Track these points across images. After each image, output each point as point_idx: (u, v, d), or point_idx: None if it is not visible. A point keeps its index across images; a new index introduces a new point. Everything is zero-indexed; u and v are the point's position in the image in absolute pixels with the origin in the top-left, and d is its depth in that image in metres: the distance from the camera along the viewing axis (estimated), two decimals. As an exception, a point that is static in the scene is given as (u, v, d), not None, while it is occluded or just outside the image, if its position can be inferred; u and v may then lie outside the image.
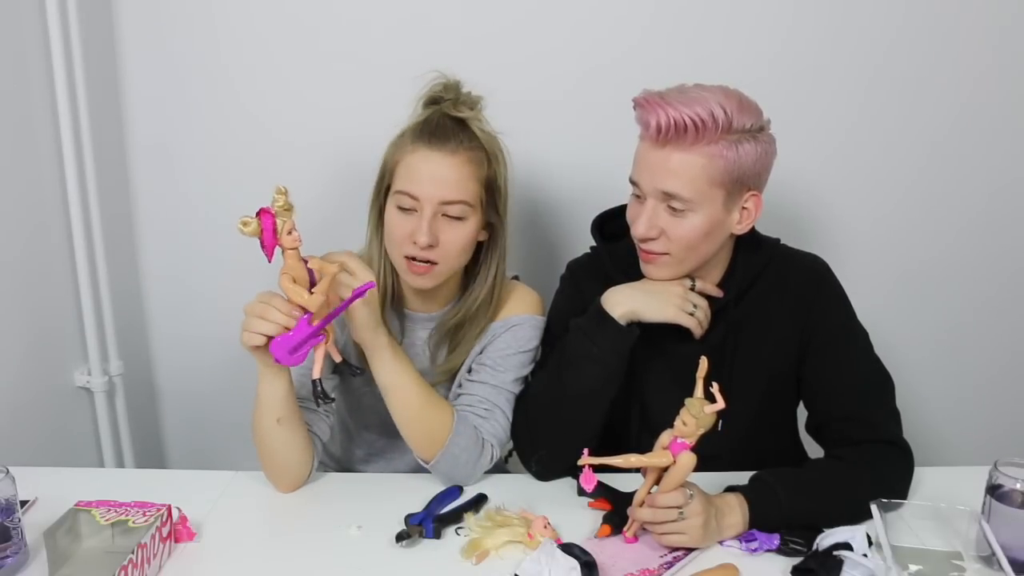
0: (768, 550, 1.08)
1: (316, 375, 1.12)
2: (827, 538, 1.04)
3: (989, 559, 1.00)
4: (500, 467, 1.35)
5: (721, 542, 1.10)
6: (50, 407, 1.61)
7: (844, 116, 1.67)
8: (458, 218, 1.20)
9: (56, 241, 1.59)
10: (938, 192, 1.73)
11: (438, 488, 1.23)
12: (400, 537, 1.09)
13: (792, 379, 1.28)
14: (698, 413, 1.02)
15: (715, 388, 1.02)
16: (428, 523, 1.12)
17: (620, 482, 1.18)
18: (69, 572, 1.01)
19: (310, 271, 1.09)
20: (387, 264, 1.27)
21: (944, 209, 1.74)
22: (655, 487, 1.08)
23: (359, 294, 1.09)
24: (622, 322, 1.20)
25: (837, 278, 1.29)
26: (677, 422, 1.04)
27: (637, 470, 1.08)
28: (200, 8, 1.61)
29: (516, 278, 1.39)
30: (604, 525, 1.13)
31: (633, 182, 1.19)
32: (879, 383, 1.24)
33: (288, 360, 1.09)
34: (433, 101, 1.23)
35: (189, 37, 1.63)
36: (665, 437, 1.06)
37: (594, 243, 1.33)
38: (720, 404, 1.02)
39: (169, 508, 1.06)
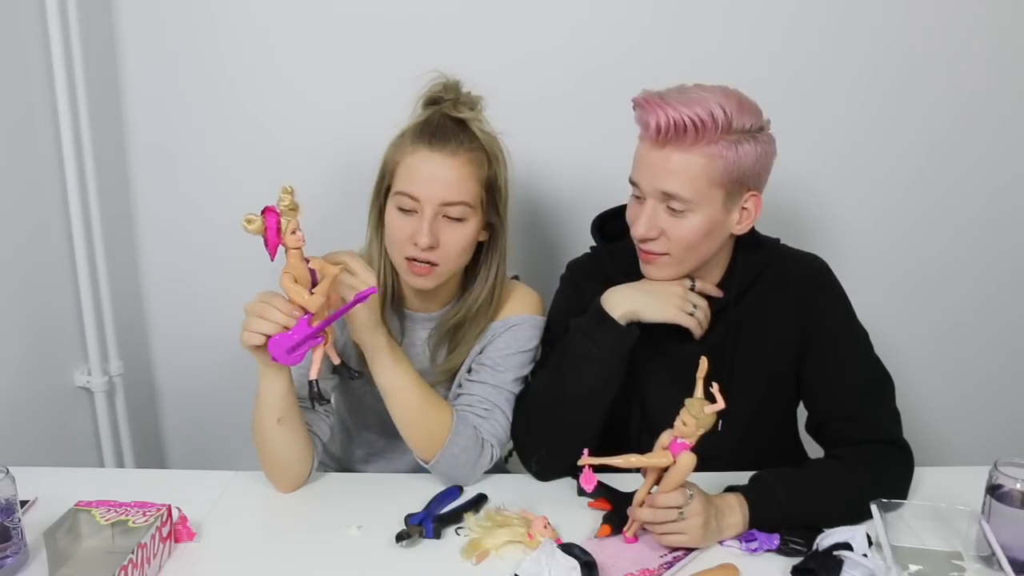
0: (768, 550, 1.08)
1: (312, 376, 1.12)
2: (827, 538, 1.04)
3: (989, 559, 1.00)
4: (500, 467, 1.35)
5: (721, 542, 1.10)
6: (50, 407, 1.61)
7: (844, 116, 1.67)
8: (458, 219, 1.20)
9: (56, 241, 1.59)
10: (938, 192, 1.73)
11: (438, 488, 1.23)
12: (400, 537, 1.09)
13: (792, 379, 1.28)
14: (698, 413, 1.02)
15: (715, 388, 1.02)
16: (428, 523, 1.12)
17: (620, 482, 1.18)
18: (69, 572, 1.01)
19: (312, 271, 1.09)
20: (387, 264, 1.27)
21: (944, 209, 1.74)
22: (655, 487, 1.08)
23: (361, 299, 1.09)
24: (622, 322, 1.20)
25: (837, 278, 1.29)
26: (677, 422, 1.04)
27: (637, 470, 1.08)
28: (200, 8, 1.61)
29: (516, 278, 1.39)
30: (604, 525, 1.13)
31: (633, 182, 1.19)
32: (879, 383, 1.24)
33: (286, 359, 1.09)
34: (433, 101, 1.23)
35: (189, 37, 1.63)
36: (665, 437, 1.06)
37: (594, 243, 1.33)
38: (720, 404, 1.02)
39: (169, 508, 1.06)
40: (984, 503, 1.05)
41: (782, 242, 1.31)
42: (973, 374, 1.86)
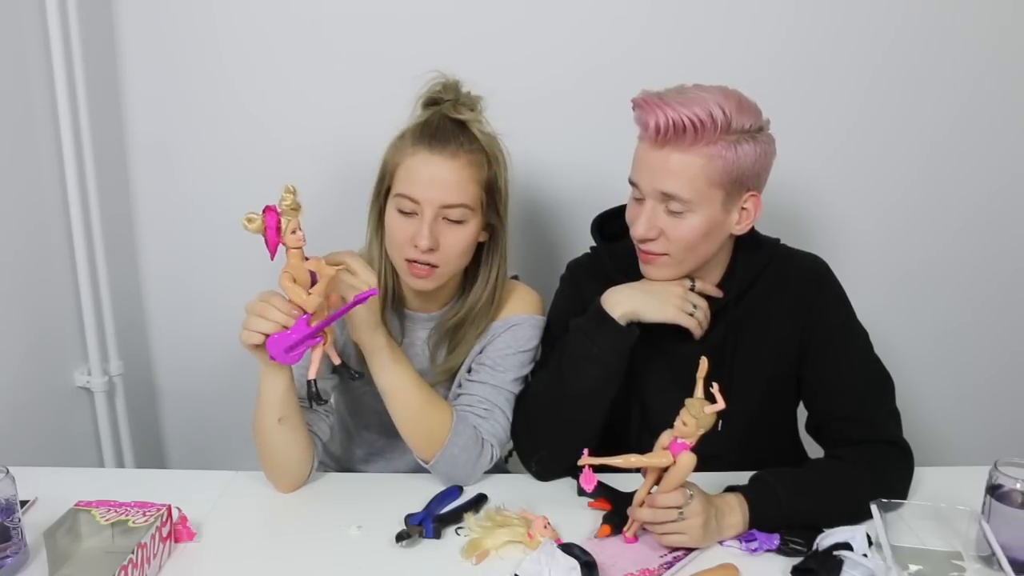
0: (768, 550, 1.08)
1: (311, 376, 1.12)
2: (827, 538, 1.04)
3: (989, 559, 1.00)
4: (500, 467, 1.35)
5: (721, 542, 1.10)
6: (50, 407, 1.61)
7: (844, 116, 1.67)
8: (458, 221, 1.20)
9: (56, 241, 1.59)
10: (938, 192, 1.73)
11: (438, 488, 1.23)
12: (400, 537, 1.09)
13: (792, 379, 1.28)
14: (698, 413, 1.02)
15: (715, 388, 1.02)
16: (428, 523, 1.12)
17: (620, 482, 1.18)
18: (69, 572, 1.01)
19: (312, 271, 1.09)
20: (387, 264, 1.27)
21: (944, 209, 1.74)
22: (655, 487, 1.08)
23: (360, 300, 1.09)
24: (622, 322, 1.20)
25: (837, 278, 1.29)
26: (677, 422, 1.04)
27: (637, 470, 1.08)
28: (200, 8, 1.61)
29: (516, 278, 1.39)
30: (604, 525, 1.13)
31: (632, 183, 1.19)
32: (879, 383, 1.24)
33: (284, 358, 1.09)
34: (433, 102, 1.23)
35: (189, 37, 1.63)
36: (665, 437, 1.06)
37: (594, 243, 1.33)
38: (720, 404, 1.02)
39: (169, 508, 1.06)
40: (984, 503, 1.05)
41: (782, 242, 1.31)
42: (973, 374, 1.86)
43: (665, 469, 1.06)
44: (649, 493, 1.08)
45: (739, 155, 1.12)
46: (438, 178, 1.17)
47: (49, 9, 1.46)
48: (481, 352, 1.30)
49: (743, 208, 1.18)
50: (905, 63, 1.64)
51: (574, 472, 1.20)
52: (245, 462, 1.26)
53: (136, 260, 1.77)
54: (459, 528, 1.13)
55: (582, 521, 1.15)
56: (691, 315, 1.21)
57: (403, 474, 1.34)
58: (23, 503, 1.12)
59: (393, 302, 1.32)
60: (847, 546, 1.01)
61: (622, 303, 1.20)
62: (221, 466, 1.29)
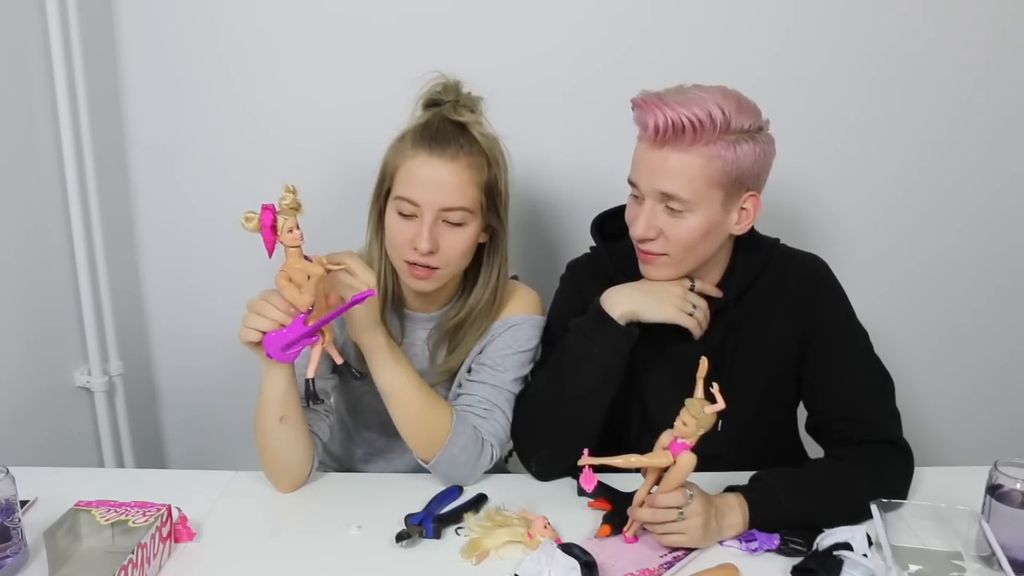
0: (768, 550, 1.08)
1: (310, 375, 1.12)
2: (827, 538, 1.04)
3: (989, 559, 1.00)
4: (500, 467, 1.35)
5: (721, 542, 1.10)
6: (50, 407, 1.61)
7: (844, 116, 1.67)
8: (458, 224, 1.19)
9: (56, 241, 1.59)
10: (938, 192, 1.73)
11: (438, 488, 1.23)
12: (400, 537, 1.09)
13: (792, 379, 1.28)
14: (698, 413, 1.02)
15: (715, 388, 1.02)
16: (428, 523, 1.12)
17: (620, 482, 1.18)
18: (69, 572, 1.01)
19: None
20: (387, 265, 1.27)
21: (944, 209, 1.74)
22: (655, 487, 1.08)
23: (358, 300, 1.09)
24: (621, 322, 1.20)
25: (836, 278, 1.29)
26: (677, 422, 1.04)
27: (637, 470, 1.08)
28: (200, 9, 1.61)
29: (515, 278, 1.39)
30: (604, 525, 1.13)
31: (632, 183, 1.19)
32: (879, 383, 1.24)
33: (280, 356, 1.10)
34: (433, 103, 1.22)
35: (189, 37, 1.63)
36: (665, 437, 1.06)
37: (594, 243, 1.33)
38: (720, 405, 1.02)
39: (169, 508, 1.06)
40: (984, 503, 1.05)
41: (782, 242, 1.31)
42: (973, 374, 1.86)
43: (665, 469, 1.06)
44: (649, 493, 1.08)
45: (738, 155, 1.12)
46: (438, 181, 1.17)
47: (49, 9, 1.46)
48: (481, 352, 1.30)
49: (742, 208, 1.18)
50: (905, 63, 1.64)
51: (574, 472, 1.20)
52: (245, 462, 1.26)
53: (136, 260, 1.78)
54: (459, 528, 1.13)
55: (582, 521, 1.15)
56: (691, 315, 1.21)
57: (403, 474, 1.34)
58: (23, 503, 1.12)
59: (393, 302, 1.32)
60: (847, 546, 1.01)
61: (621, 303, 1.20)
62: (221, 466, 1.29)
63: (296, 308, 1.08)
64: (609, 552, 1.07)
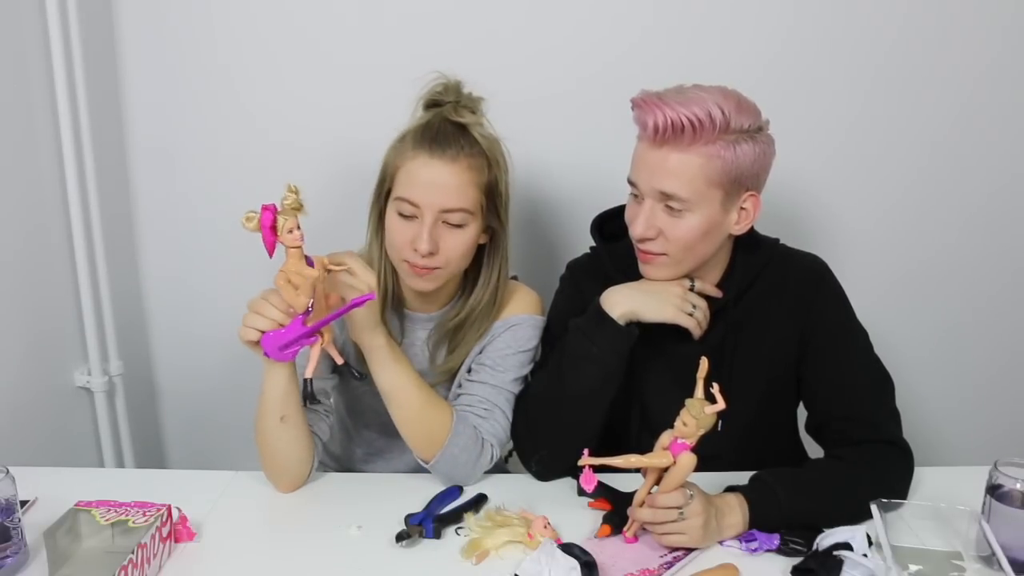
0: (768, 550, 1.08)
1: (308, 374, 1.12)
2: (827, 538, 1.04)
3: (989, 559, 1.00)
4: (500, 467, 1.35)
5: (721, 542, 1.10)
6: (50, 407, 1.61)
7: (844, 116, 1.67)
8: (458, 225, 1.19)
9: (56, 241, 1.59)
10: (938, 192, 1.73)
11: (438, 488, 1.23)
12: (400, 537, 1.09)
13: (792, 379, 1.28)
14: (698, 414, 1.02)
15: (715, 389, 1.02)
16: (428, 523, 1.12)
17: (620, 482, 1.18)
18: (69, 572, 1.01)
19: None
20: (387, 265, 1.27)
21: (944, 209, 1.74)
22: (655, 487, 1.08)
23: (358, 303, 1.10)
24: (621, 322, 1.20)
25: (836, 278, 1.29)
26: (677, 423, 1.04)
27: (637, 470, 1.08)
28: (200, 9, 1.61)
29: (515, 278, 1.39)
30: (604, 525, 1.13)
31: (631, 182, 1.19)
32: (879, 383, 1.24)
33: (278, 356, 1.10)
34: (434, 103, 1.22)
35: (189, 38, 1.63)
36: (665, 438, 1.06)
37: (594, 243, 1.33)
38: (720, 405, 1.02)
39: (169, 508, 1.06)
40: (984, 503, 1.05)
41: (781, 242, 1.31)
42: (973, 374, 1.86)
43: (665, 469, 1.06)
44: (649, 493, 1.08)
45: (738, 155, 1.12)
46: (438, 182, 1.17)
47: (49, 10, 1.46)
48: (481, 352, 1.30)
49: (742, 208, 1.18)
50: (905, 63, 1.64)
51: (574, 472, 1.20)
52: (245, 462, 1.26)
53: (136, 260, 1.78)
54: (459, 528, 1.13)
55: (582, 521, 1.15)
56: (690, 315, 1.21)
57: (403, 474, 1.34)
58: (23, 503, 1.12)
59: (393, 302, 1.32)
60: (847, 546, 1.01)
61: (621, 303, 1.20)
62: (221, 466, 1.29)
63: (293, 309, 1.08)
64: (609, 552, 1.07)
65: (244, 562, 1.07)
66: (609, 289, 1.23)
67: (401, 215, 1.19)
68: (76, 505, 1.06)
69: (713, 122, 1.09)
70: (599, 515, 1.15)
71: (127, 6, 1.61)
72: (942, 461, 1.32)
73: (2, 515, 1.00)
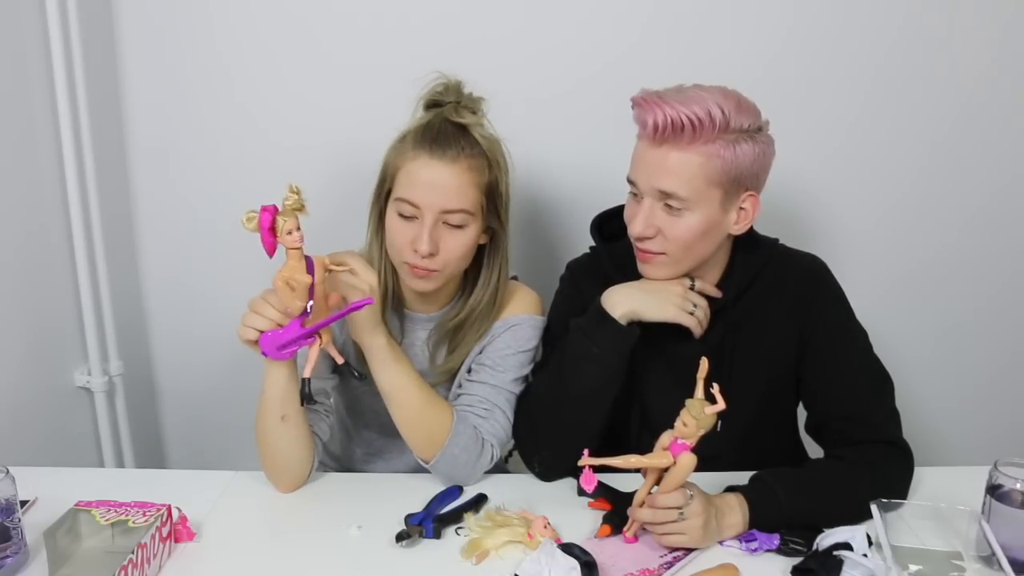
0: (768, 550, 1.08)
1: (306, 374, 1.12)
2: (827, 538, 1.04)
3: (989, 559, 1.00)
4: (500, 467, 1.35)
5: (721, 542, 1.10)
6: (50, 407, 1.61)
7: (844, 116, 1.67)
8: (458, 226, 1.19)
9: (56, 241, 1.59)
10: (938, 192, 1.73)
11: (438, 488, 1.23)
12: (400, 537, 1.09)
13: (791, 379, 1.28)
14: (699, 414, 1.02)
15: (715, 389, 1.02)
16: (428, 523, 1.12)
17: (620, 482, 1.18)
18: (69, 572, 1.01)
19: (309, 272, 1.08)
20: (387, 265, 1.27)
21: (944, 209, 1.74)
22: (655, 487, 1.08)
23: (356, 307, 1.10)
24: (622, 322, 1.19)
25: (835, 278, 1.29)
26: (678, 423, 1.04)
27: (637, 470, 1.08)
28: (200, 9, 1.61)
29: (515, 278, 1.39)
30: (604, 525, 1.13)
31: (631, 181, 1.19)
32: (878, 383, 1.24)
33: (275, 355, 1.10)
34: (434, 104, 1.22)
35: (189, 38, 1.63)
36: (665, 438, 1.06)
37: (593, 243, 1.33)
38: (721, 405, 1.02)
39: (169, 508, 1.06)
40: (984, 503, 1.05)
41: (781, 242, 1.31)
42: (973, 374, 1.86)
43: (665, 469, 1.06)
44: (649, 493, 1.08)
45: (737, 154, 1.12)
46: (439, 183, 1.17)
47: (49, 10, 1.46)
48: (481, 352, 1.30)
49: (741, 208, 1.18)
50: (905, 63, 1.64)
51: (576, 472, 1.20)
52: (245, 462, 1.26)
53: (136, 260, 1.78)
54: (459, 528, 1.13)
55: (582, 521, 1.15)
56: (691, 314, 1.21)
57: (403, 474, 1.34)
58: (23, 503, 1.12)
59: (393, 302, 1.32)
60: (847, 546, 1.01)
61: (622, 302, 1.20)
62: (221, 466, 1.29)
63: (289, 311, 1.09)
64: (609, 552, 1.07)
65: (244, 562, 1.07)
66: (609, 289, 1.23)
67: (401, 216, 1.19)
68: (76, 505, 1.06)
69: (713, 121, 1.09)
70: (599, 515, 1.15)
71: (127, 6, 1.61)
72: (942, 461, 1.32)
73: (2, 515, 1.00)
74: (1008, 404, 1.88)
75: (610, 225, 1.31)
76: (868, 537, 1.02)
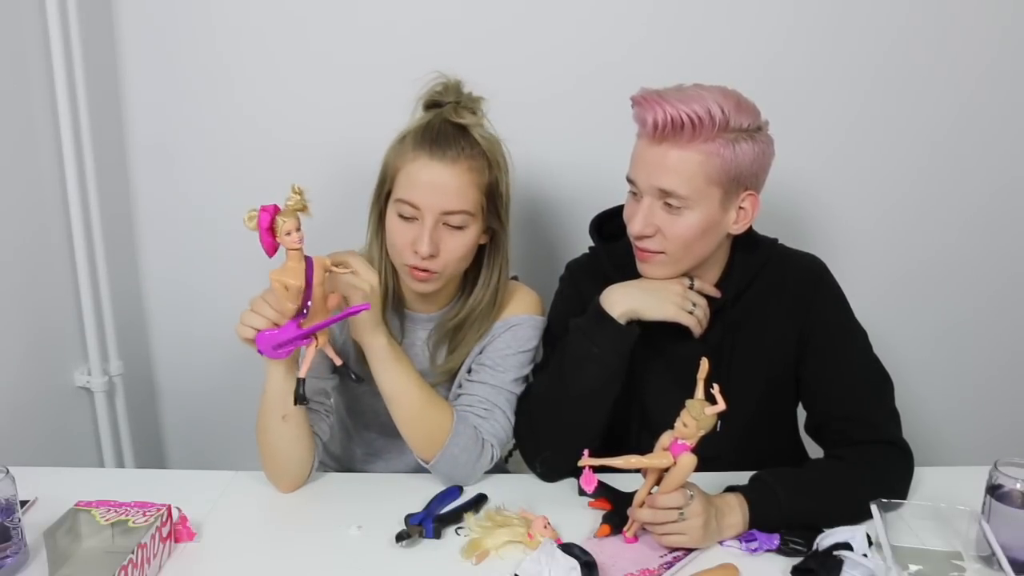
0: (768, 550, 1.08)
1: (301, 374, 1.12)
2: (827, 538, 1.04)
3: (989, 559, 1.00)
4: (500, 467, 1.35)
5: (721, 542, 1.10)
6: (50, 407, 1.61)
7: (844, 116, 1.67)
8: (459, 227, 1.19)
9: (56, 241, 1.59)
10: (938, 192, 1.73)
11: (438, 488, 1.23)
12: (400, 537, 1.09)
13: (791, 379, 1.28)
14: (699, 415, 1.02)
15: (715, 389, 1.02)
16: (428, 523, 1.12)
17: (620, 482, 1.18)
18: (69, 572, 1.01)
19: (309, 273, 1.08)
20: (388, 265, 1.27)
21: (944, 209, 1.74)
22: (655, 488, 1.08)
23: (354, 312, 1.10)
24: (622, 321, 1.19)
25: (834, 278, 1.29)
26: (678, 423, 1.04)
27: (637, 470, 1.08)
28: (200, 9, 1.61)
29: (515, 278, 1.39)
30: (604, 525, 1.13)
31: (630, 180, 1.19)
32: (878, 383, 1.24)
33: (272, 354, 1.11)
34: (434, 104, 1.22)
35: (189, 38, 1.63)
36: (665, 438, 1.06)
37: (593, 243, 1.33)
38: (721, 406, 1.02)
39: (169, 508, 1.06)
40: (984, 503, 1.05)
41: (780, 242, 1.31)
42: (973, 374, 1.86)
43: (665, 470, 1.06)
44: (649, 493, 1.08)
45: (737, 154, 1.12)
46: (439, 184, 1.17)
47: (49, 9, 1.46)
48: (481, 352, 1.30)
49: (740, 208, 1.18)
50: (905, 63, 1.64)
51: (577, 472, 1.20)
52: (245, 462, 1.26)
53: (136, 260, 1.78)
54: (459, 528, 1.13)
55: (582, 521, 1.15)
56: (691, 313, 1.21)
57: (403, 474, 1.34)
58: (23, 503, 1.12)
59: (393, 302, 1.31)
60: (847, 546, 1.01)
61: (621, 302, 1.20)
62: (221, 466, 1.29)
63: (283, 312, 1.09)
64: (609, 552, 1.07)
65: (244, 562, 1.07)
66: (609, 288, 1.23)
67: (401, 217, 1.19)
68: (76, 505, 1.06)
69: (712, 120, 1.09)
70: (599, 515, 1.15)
71: (127, 6, 1.61)
72: (942, 461, 1.32)
73: (2, 515, 1.00)
74: (1008, 404, 1.88)
75: (609, 225, 1.31)
76: (868, 537, 1.02)
